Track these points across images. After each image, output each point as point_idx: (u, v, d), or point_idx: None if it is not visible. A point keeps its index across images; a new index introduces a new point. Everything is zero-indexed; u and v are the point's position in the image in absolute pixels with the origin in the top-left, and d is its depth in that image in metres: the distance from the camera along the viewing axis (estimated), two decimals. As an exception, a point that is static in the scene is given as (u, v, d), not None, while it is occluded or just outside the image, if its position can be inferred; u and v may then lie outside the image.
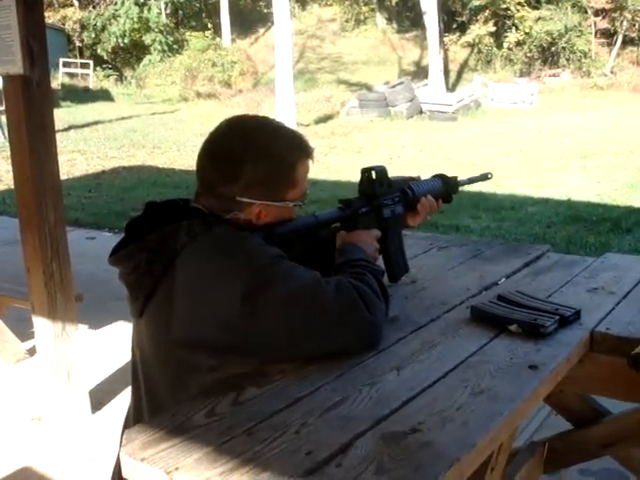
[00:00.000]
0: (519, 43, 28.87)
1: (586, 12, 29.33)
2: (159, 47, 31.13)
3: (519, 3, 28.86)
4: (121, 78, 30.62)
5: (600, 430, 2.27)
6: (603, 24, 29.42)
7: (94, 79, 28.95)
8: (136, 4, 30.78)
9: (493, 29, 29.44)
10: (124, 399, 3.57)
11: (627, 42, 29.36)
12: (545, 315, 1.65)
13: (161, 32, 31.50)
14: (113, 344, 4.43)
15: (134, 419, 1.64)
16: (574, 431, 2.37)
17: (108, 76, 30.11)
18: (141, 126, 19.22)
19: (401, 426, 1.19)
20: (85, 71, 28.92)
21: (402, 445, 1.13)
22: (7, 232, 6.77)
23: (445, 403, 1.27)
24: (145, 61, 30.98)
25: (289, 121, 16.74)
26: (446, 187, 2.17)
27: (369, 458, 1.09)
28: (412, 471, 1.05)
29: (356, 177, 1.97)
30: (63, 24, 32.14)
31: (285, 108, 18.78)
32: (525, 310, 1.69)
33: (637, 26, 28.91)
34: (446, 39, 29.70)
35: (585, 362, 1.68)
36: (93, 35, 31.97)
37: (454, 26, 31.29)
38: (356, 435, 1.16)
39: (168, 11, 33.94)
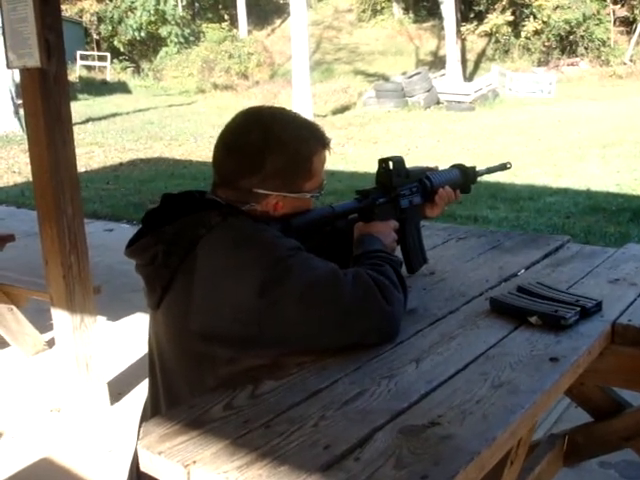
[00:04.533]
0: (537, 32, 28.63)
1: (605, 0, 29.03)
2: (176, 39, 31.23)
3: (537, -9, 28.66)
4: (138, 70, 30.76)
5: (621, 422, 2.25)
6: (622, 12, 29.13)
7: (111, 72, 29.11)
8: (152, -4, 30.89)
9: (511, 18, 29.20)
10: (143, 390, 3.58)
11: (646, 30, 29.04)
12: (566, 307, 1.63)
13: (177, 24, 31.59)
14: (131, 335, 4.45)
15: (151, 411, 1.64)
16: (595, 423, 2.35)
17: (125, 68, 30.26)
18: (158, 118, 19.31)
19: (420, 419, 1.18)
20: (102, 64, 29.09)
21: (421, 439, 1.12)
22: (26, 224, 6.84)
23: (464, 396, 1.26)
24: (162, 53, 31.09)
25: (306, 112, 16.73)
26: (464, 177, 2.15)
27: (388, 452, 1.08)
28: (432, 465, 1.04)
29: (373, 168, 1.95)
30: (80, 17, 32.33)
31: (302, 99, 18.78)
32: (545, 301, 1.67)
33: (657, 14, 28.60)
34: (463, 29, 29.52)
35: (606, 354, 1.65)
36: (110, 28, 32.13)
37: (471, 15, 31.09)
38: (374, 429, 1.15)
39: (184, 3, 34.01)
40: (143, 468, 1.14)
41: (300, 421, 1.18)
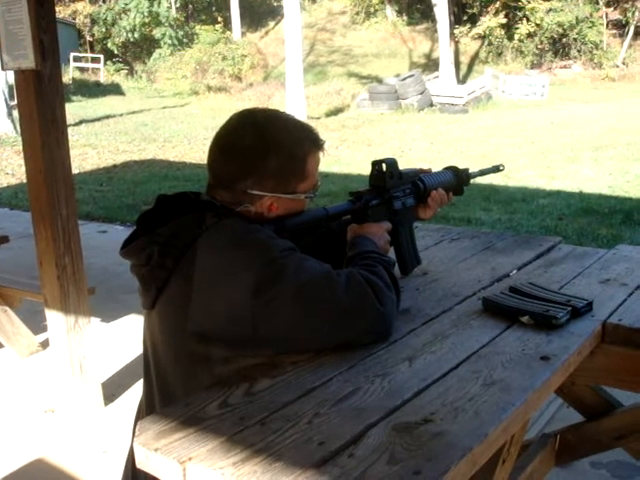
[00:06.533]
0: (530, 35, 28.70)
1: (597, 3, 29.14)
2: (169, 41, 31.21)
3: (530, -6, 28.74)
4: (132, 72, 30.72)
5: (612, 422, 2.27)
6: (615, 15, 29.23)
7: (105, 73, 29.07)
8: (146, -2, 30.86)
9: (504, 21, 29.25)
10: (137, 391, 3.59)
11: (639, 33, 29.12)
12: (557, 306, 1.64)
13: (171, 26, 31.56)
14: (125, 337, 4.45)
15: (146, 411, 1.65)
16: (586, 423, 2.36)
17: (119, 70, 30.23)
18: (152, 120, 19.29)
19: (413, 417, 1.19)
20: (96, 65, 29.04)
21: (414, 435, 1.13)
22: (20, 226, 6.84)
23: (457, 394, 1.28)
24: (155, 55, 31.06)
25: (300, 114, 16.75)
26: (457, 179, 2.17)
27: (381, 448, 1.09)
28: (424, 461, 1.05)
29: (367, 170, 1.97)
30: (74, 19, 32.31)
31: (296, 101, 18.81)
32: (537, 301, 1.69)
33: (649, 17, 28.70)
34: (457, 31, 29.60)
35: (597, 353, 1.67)
36: (103, 29, 32.10)
37: (465, 18, 31.15)
38: (368, 425, 1.16)
39: (178, 5, 33.98)
40: (139, 465, 1.15)
41: (295, 418, 1.19)
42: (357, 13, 34.10)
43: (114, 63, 30.69)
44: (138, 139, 15.74)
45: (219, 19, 33.87)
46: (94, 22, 32.55)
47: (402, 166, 1.97)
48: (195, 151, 13.84)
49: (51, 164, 3.14)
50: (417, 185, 2.01)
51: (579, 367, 1.58)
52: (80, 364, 3.39)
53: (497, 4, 29.58)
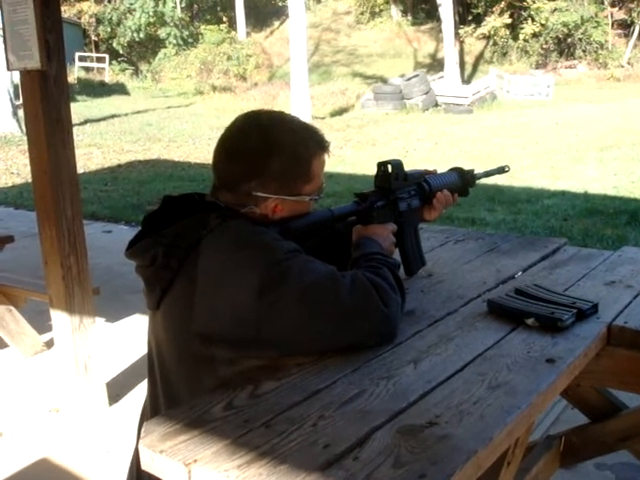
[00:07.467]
0: (535, 35, 28.66)
1: (602, 3, 29.07)
2: (174, 41, 31.26)
3: (535, -6, 28.70)
4: (137, 72, 30.77)
5: (617, 424, 2.26)
6: (620, 15, 29.15)
7: (110, 73, 29.13)
8: (151, -2, 30.93)
9: (509, 21, 29.23)
10: (141, 391, 3.59)
11: (644, 33, 29.08)
12: (562, 308, 1.64)
13: (176, 26, 31.60)
14: (130, 337, 4.46)
15: (151, 412, 1.65)
16: (591, 425, 2.36)
17: (124, 70, 30.28)
18: (157, 120, 19.32)
19: (418, 419, 1.19)
20: (101, 65, 29.11)
21: (419, 438, 1.13)
22: (24, 225, 6.86)
23: (462, 397, 1.27)
24: (160, 55, 31.10)
25: (304, 114, 16.77)
26: (463, 180, 2.16)
27: (386, 451, 1.09)
28: (429, 464, 1.05)
29: (372, 170, 1.97)
30: (79, 18, 32.36)
31: (300, 101, 18.80)
32: (542, 303, 1.68)
33: (654, 17, 28.63)
34: (461, 31, 29.55)
35: (602, 356, 1.67)
36: (109, 29, 32.17)
37: (469, 18, 31.12)
38: (373, 428, 1.16)
39: (183, 5, 34.04)
40: (144, 467, 1.15)
41: (300, 421, 1.19)
42: (362, 13, 34.08)
43: (119, 63, 30.74)
44: (143, 139, 15.76)
45: (224, 19, 33.87)
46: (99, 22, 32.61)
47: (407, 166, 1.97)
48: (200, 151, 13.84)
49: (56, 164, 3.14)
50: (422, 186, 2.01)
51: (584, 369, 1.57)
52: (85, 364, 3.39)
53: (502, 4, 29.55)
